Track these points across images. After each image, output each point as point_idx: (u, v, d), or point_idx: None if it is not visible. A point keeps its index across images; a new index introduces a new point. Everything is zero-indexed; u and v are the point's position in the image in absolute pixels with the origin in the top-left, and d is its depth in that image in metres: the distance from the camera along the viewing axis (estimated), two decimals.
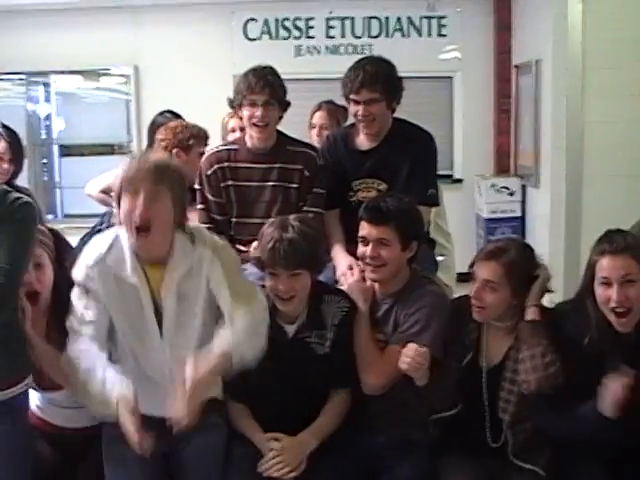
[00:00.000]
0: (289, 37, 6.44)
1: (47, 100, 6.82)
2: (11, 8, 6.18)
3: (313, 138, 4.25)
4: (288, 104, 3.07)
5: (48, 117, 6.87)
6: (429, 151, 3.11)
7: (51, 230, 2.49)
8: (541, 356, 2.27)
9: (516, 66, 6.22)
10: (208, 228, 2.76)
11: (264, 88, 2.96)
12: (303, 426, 2.41)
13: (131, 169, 2.20)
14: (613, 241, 2.29)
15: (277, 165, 3.00)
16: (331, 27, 6.38)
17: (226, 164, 3.04)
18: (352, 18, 6.41)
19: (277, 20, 6.39)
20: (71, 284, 2.31)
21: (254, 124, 3.00)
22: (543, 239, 5.27)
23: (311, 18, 6.36)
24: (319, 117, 4.19)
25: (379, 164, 3.05)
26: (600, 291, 2.27)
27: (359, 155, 3.10)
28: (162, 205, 2.19)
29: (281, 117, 3.07)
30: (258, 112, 2.97)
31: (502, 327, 2.42)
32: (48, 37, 6.28)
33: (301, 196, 3.02)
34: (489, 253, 2.42)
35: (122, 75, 6.55)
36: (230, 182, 3.03)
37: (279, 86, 3.03)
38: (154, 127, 3.83)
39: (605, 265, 2.26)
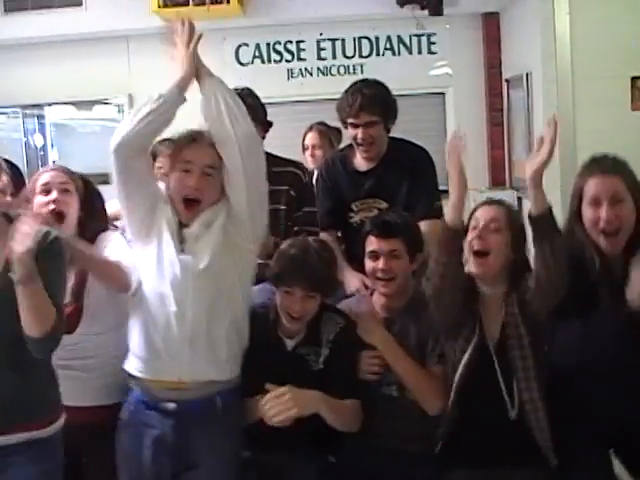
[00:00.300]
0: (281, 60, 6.47)
1: (42, 132, 6.82)
2: (3, 43, 6.22)
3: (307, 159, 4.30)
4: (270, 124, 3.08)
5: (43, 148, 6.88)
6: (427, 166, 3.15)
7: (82, 177, 2.73)
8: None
9: (507, 80, 6.26)
10: None
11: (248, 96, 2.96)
12: (297, 440, 2.41)
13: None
14: (601, 162, 2.31)
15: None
16: (322, 49, 6.42)
17: None
18: (342, 39, 6.45)
19: (268, 44, 6.41)
20: (97, 229, 2.63)
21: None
22: None
23: (302, 41, 6.38)
24: (311, 138, 4.24)
25: (378, 183, 3.08)
26: (589, 213, 2.27)
27: (358, 176, 3.13)
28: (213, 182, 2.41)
29: (263, 137, 3.03)
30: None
31: (495, 297, 2.39)
32: (42, 69, 6.31)
33: (289, 217, 3.01)
34: (490, 201, 2.47)
35: (116, 104, 6.58)
36: None
37: (259, 107, 3.04)
38: (153, 156, 3.86)
39: (594, 185, 2.27)
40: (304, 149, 4.39)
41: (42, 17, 6.06)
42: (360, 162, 3.18)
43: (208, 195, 2.42)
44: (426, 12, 5.72)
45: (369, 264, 2.57)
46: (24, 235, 2.00)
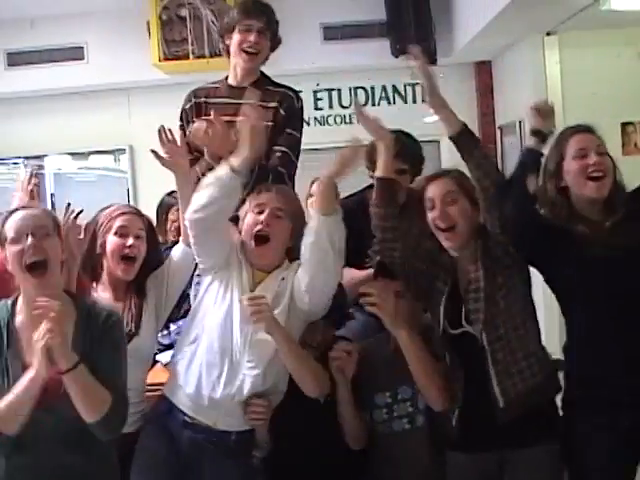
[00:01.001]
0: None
1: (42, 182, 6.87)
2: (6, 96, 6.34)
3: (310, 205, 4.35)
4: (279, 42, 3.07)
5: (43, 199, 6.94)
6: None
7: (147, 217, 2.77)
8: None
9: (499, 127, 6.38)
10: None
11: (261, 15, 2.93)
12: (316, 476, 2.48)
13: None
14: (579, 125, 2.48)
15: (252, 102, 2.83)
16: (319, 99, 6.55)
17: (202, 99, 3.02)
18: (339, 89, 6.58)
19: None
20: (155, 265, 2.66)
21: (244, 50, 2.95)
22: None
23: (299, 91, 6.47)
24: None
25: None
26: (575, 163, 2.40)
27: None
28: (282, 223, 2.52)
29: (267, 58, 3.04)
30: (251, 37, 2.92)
31: (468, 256, 2.47)
32: (43, 121, 6.43)
33: (274, 136, 2.93)
34: (433, 175, 2.57)
35: (116, 154, 6.68)
36: (203, 117, 2.95)
37: (274, 20, 3.02)
38: (163, 208, 3.94)
39: (579, 140, 2.42)
40: (309, 196, 4.46)
41: (44, 71, 6.20)
42: None
43: (277, 234, 2.52)
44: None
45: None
46: (54, 325, 1.97)
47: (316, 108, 6.56)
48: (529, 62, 5.43)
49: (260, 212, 2.53)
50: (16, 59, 6.22)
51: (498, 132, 6.42)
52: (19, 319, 2.12)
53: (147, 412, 2.59)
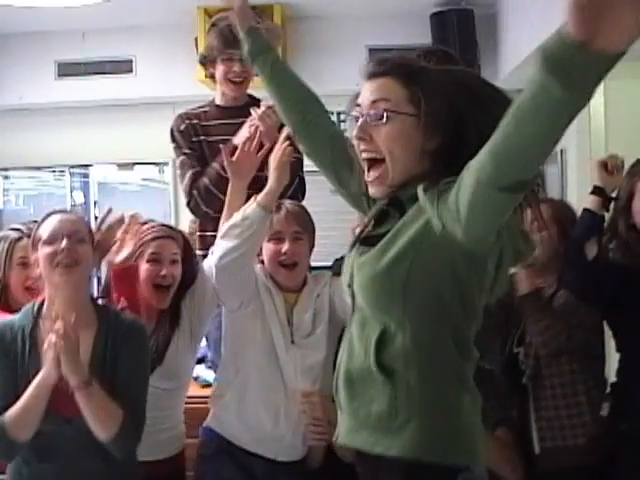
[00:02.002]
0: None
1: (85, 190, 6.98)
2: (55, 105, 6.47)
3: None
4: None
5: (86, 206, 7.05)
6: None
7: (182, 233, 2.70)
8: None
9: None
10: (192, 181, 2.92)
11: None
12: None
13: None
14: None
15: (251, 120, 2.85)
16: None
17: (196, 121, 3.02)
18: None
19: None
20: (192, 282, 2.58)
21: (230, 80, 2.97)
22: None
23: (343, 112, 6.39)
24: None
25: None
26: None
27: None
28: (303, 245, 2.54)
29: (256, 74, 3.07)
30: (236, 67, 2.93)
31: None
32: (90, 131, 6.53)
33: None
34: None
35: (160, 166, 6.76)
36: (202, 137, 2.99)
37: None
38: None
39: None
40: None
41: (93, 82, 6.32)
42: None
43: (302, 257, 2.56)
44: None
45: None
46: (67, 345, 1.96)
47: None
48: None
49: (279, 239, 2.52)
50: (66, 70, 6.34)
51: None
52: (44, 326, 2.12)
53: (202, 452, 2.56)
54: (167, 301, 2.54)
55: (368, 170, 1.67)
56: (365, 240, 1.70)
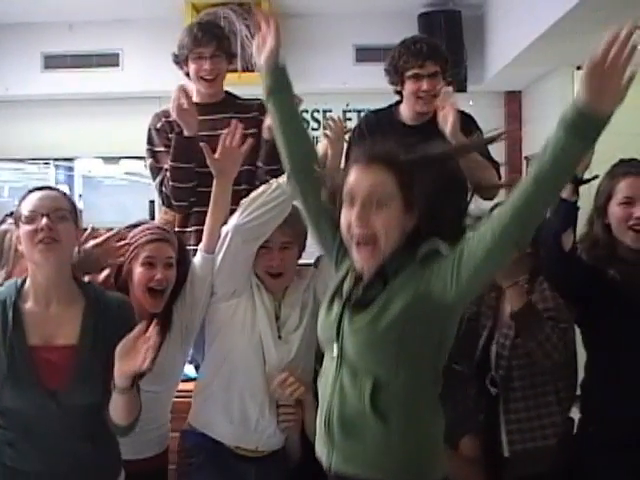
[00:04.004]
0: (307, 128, 6.56)
1: (70, 183, 6.97)
2: (41, 98, 6.44)
3: None
4: (235, 55, 3.13)
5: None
6: (475, 126, 3.01)
7: (179, 239, 2.64)
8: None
9: (526, 157, 6.38)
10: (161, 182, 2.93)
11: (211, 41, 2.94)
12: None
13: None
14: (632, 165, 2.41)
15: (229, 115, 2.87)
16: (348, 119, 6.57)
17: (172, 118, 2.97)
18: (368, 110, 6.58)
19: None
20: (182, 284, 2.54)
21: (202, 78, 2.97)
22: None
23: (328, 110, 6.54)
24: None
25: (428, 139, 2.83)
26: (618, 210, 2.36)
27: (405, 129, 2.94)
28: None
29: (228, 70, 3.05)
30: (206, 65, 2.94)
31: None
32: (75, 124, 6.52)
33: (259, 143, 2.89)
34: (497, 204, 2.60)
35: (144, 159, 6.71)
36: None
37: (225, 38, 3.03)
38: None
39: (628, 185, 2.37)
40: None
41: (80, 75, 6.28)
42: (408, 116, 3.00)
43: (289, 266, 2.56)
44: (450, 88, 5.88)
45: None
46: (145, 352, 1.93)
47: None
48: (558, 94, 5.44)
49: (267, 247, 2.51)
50: (52, 62, 6.31)
51: (524, 162, 6.42)
52: (27, 303, 2.09)
53: (187, 460, 2.56)
54: (161, 305, 2.51)
55: (357, 245, 1.86)
56: (354, 304, 1.90)
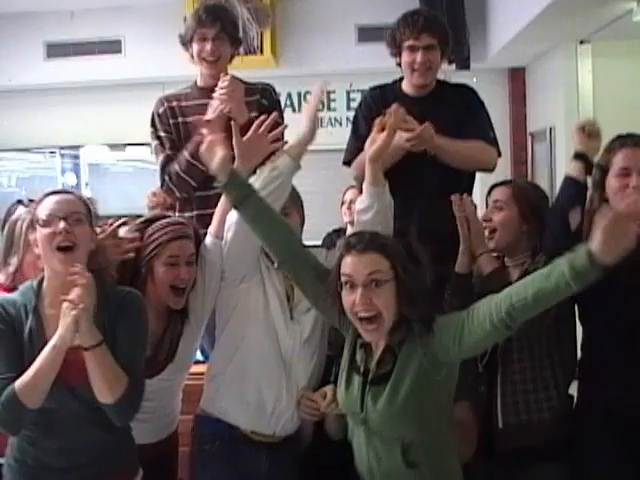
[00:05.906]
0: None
1: (76, 171, 7.01)
2: (44, 86, 6.47)
3: (344, 212, 4.43)
4: (240, 41, 3.08)
5: (77, 188, 7.05)
6: (478, 101, 3.00)
7: (193, 227, 2.59)
8: None
9: (531, 133, 6.38)
10: (163, 166, 2.93)
11: (214, 22, 2.93)
12: None
13: None
14: (630, 137, 2.38)
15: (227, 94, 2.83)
16: (352, 99, 6.57)
17: (175, 103, 3.02)
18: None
19: (299, 94, 6.57)
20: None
21: (204, 59, 2.98)
22: None
23: (332, 91, 6.56)
24: (351, 193, 4.33)
25: (429, 111, 2.82)
26: (616, 182, 2.33)
27: (407, 100, 2.88)
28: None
29: (233, 56, 3.05)
30: (208, 46, 2.94)
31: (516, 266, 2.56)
32: (80, 112, 6.55)
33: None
34: (501, 182, 2.67)
35: (149, 145, 6.73)
36: (180, 119, 2.99)
37: (230, 21, 3.02)
38: None
39: (624, 156, 2.34)
40: (342, 203, 4.54)
41: (83, 62, 6.31)
42: (410, 88, 2.97)
43: None
44: (453, 66, 5.88)
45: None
46: (85, 293, 1.96)
47: (348, 108, 6.57)
48: (562, 70, 5.43)
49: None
50: (55, 50, 6.34)
51: (529, 138, 6.42)
52: (45, 302, 2.12)
53: (201, 447, 2.53)
54: (183, 301, 2.49)
55: (362, 323, 2.11)
56: (371, 382, 2.16)
